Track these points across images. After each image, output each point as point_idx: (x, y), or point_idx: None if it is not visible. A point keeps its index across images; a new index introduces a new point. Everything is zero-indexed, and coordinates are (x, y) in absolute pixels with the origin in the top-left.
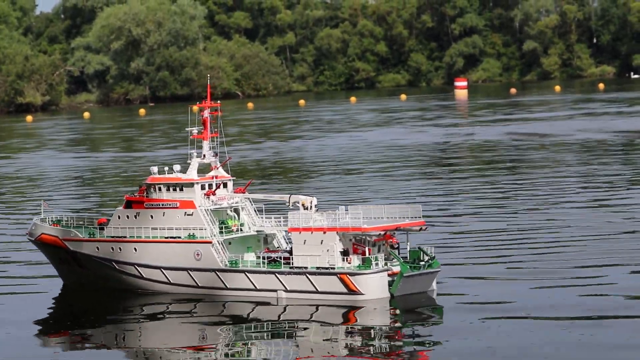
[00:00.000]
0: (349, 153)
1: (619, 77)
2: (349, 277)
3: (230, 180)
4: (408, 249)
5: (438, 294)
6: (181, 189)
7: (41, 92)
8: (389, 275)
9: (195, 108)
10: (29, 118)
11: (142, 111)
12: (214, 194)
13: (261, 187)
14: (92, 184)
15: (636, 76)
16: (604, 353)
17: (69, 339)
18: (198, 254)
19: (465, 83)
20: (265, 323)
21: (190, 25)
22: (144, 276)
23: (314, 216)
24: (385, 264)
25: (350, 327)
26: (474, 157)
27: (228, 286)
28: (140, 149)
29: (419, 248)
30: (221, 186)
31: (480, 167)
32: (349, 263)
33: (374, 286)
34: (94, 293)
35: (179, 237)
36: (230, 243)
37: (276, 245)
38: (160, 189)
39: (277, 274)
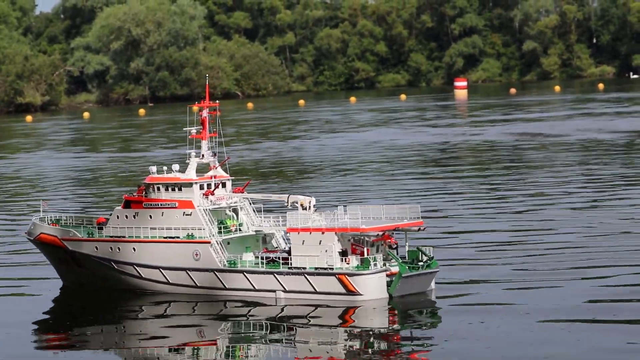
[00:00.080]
0: (348, 153)
1: (619, 77)
2: (348, 277)
3: (229, 180)
4: (407, 249)
5: (437, 295)
6: (180, 189)
7: (41, 92)
8: (387, 275)
9: (195, 108)
10: (29, 118)
11: (141, 111)
12: (212, 193)
13: (260, 187)
14: (91, 184)
15: (636, 76)
16: (604, 354)
17: (69, 339)
18: (197, 254)
19: (465, 83)
20: (264, 323)
21: (190, 25)
22: (143, 276)
23: (312, 216)
24: (384, 265)
25: (349, 328)
26: (474, 157)
27: (227, 286)
28: (139, 148)
29: (417, 248)
30: (220, 186)
31: (480, 167)
32: (348, 263)
33: (372, 287)
34: (93, 293)
35: (178, 237)
36: (229, 243)
37: (275, 245)
38: (159, 189)
39: (275, 275)
